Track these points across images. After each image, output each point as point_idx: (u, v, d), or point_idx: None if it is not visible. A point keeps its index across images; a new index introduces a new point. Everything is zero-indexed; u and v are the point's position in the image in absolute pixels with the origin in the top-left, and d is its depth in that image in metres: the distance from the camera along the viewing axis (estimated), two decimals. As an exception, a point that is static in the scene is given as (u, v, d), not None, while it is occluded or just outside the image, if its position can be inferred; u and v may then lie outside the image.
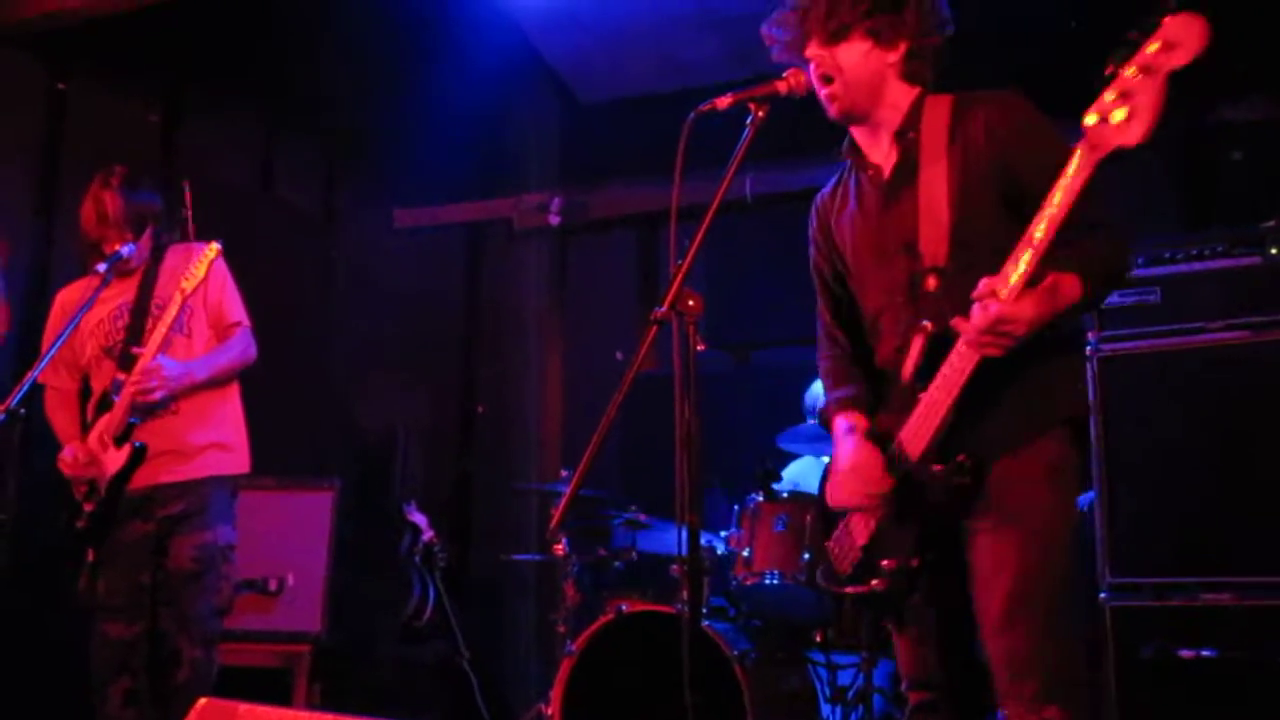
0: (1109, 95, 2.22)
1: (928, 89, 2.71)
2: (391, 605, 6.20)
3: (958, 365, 2.43)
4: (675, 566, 4.77)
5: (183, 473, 3.96)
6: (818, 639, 4.80)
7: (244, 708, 2.53)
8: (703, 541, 4.73)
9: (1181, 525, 3.99)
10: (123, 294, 4.09)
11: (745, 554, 4.66)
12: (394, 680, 6.25)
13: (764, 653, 4.57)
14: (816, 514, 2.92)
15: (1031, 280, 2.31)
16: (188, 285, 3.91)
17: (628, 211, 7.05)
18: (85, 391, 4.14)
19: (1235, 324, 4.05)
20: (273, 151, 6.87)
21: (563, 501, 2.41)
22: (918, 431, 2.53)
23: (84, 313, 3.94)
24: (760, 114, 2.52)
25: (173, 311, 3.88)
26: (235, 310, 4.17)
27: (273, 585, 5.31)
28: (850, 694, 4.63)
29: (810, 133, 2.86)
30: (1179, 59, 2.26)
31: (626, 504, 5.19)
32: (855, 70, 2.63)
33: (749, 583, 4.63)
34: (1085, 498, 4.51)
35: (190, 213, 5.43)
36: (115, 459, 3.87)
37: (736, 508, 4.84)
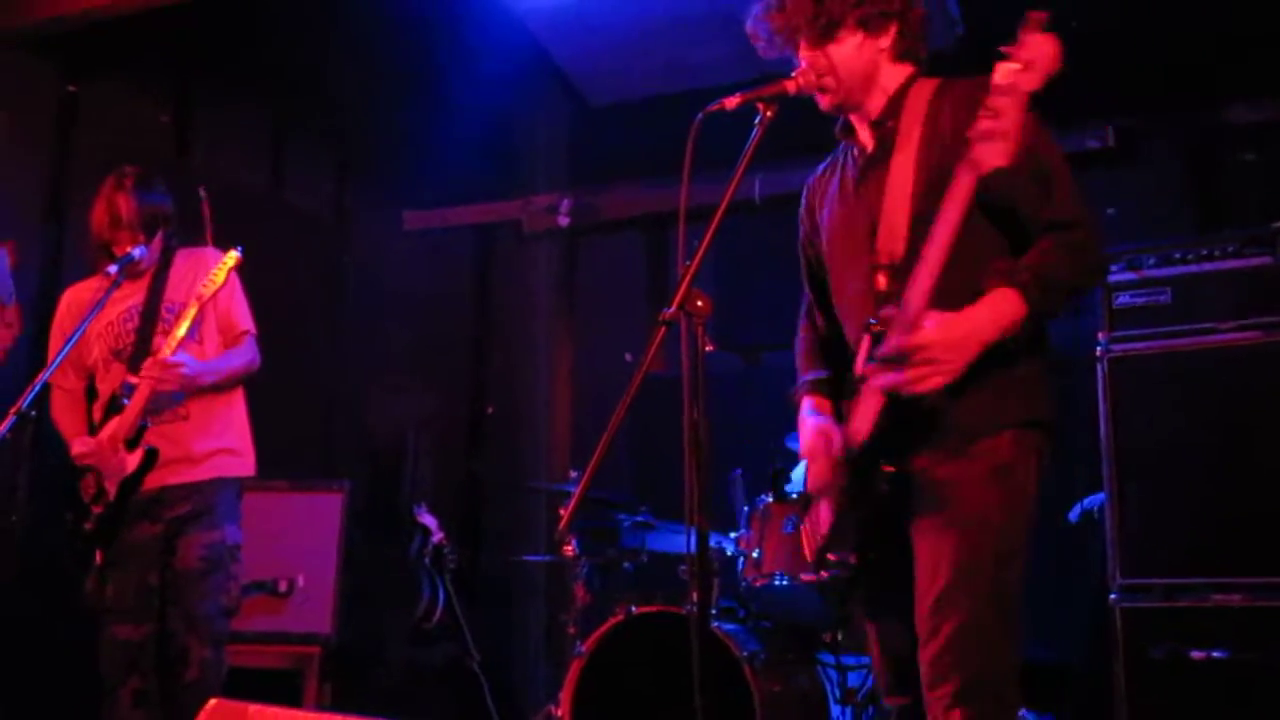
0: (985, 115, 2.17)
1: (921, 66, 2.69)
2: (401, 607, 6.20)
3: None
4: (684, 567, 4.76)
5: (190, 474, 3.97)
6: (827, 640, 4.79)
7: (254, 709, 2.53)
8: (712, 543, 4.77)
9: (1192, 526, 3.98)
10: (132, 296, 4.10)
11: (755, 555, 4.66)
12: (404, 682, 6.25)
13: (774, 654, 4.57)
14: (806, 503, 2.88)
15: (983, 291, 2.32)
16: (206, 291, 3.93)
17: (637, 213, 7.04)
18: (90, 393, 4.16)
19: (1246, 324, 4.04)
20: (283, 153, 6.88)
21: (571, 502, 2.41)
22: (859, 426, 2.50)
23: (95, 315, 3.94)
24: (769, 114, 2.50)
25: (191, 314, 3.90)
26: (244, 319, 4.18)
27: (283, 587, 5.32)
28: (860, 695, 4.63)
29: (821, 133, 2.85)
30: (1033, 81, 2.19)
31: (636, 505, 5.19)
32: (849, 65, 2.61)
33: (758, 584, 4.63)
34: (1095, 499, 4.51)
35: (209, 218, 5.45)
36: (128, 462, 3.88)
37: (746, 509, 4.84)
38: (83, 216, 4.21)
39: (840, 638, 4.75)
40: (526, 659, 6.76)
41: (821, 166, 2.91)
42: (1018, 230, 2.48)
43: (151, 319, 4.05)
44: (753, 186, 5.79)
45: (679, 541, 5.11)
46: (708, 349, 2.34)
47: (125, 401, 3.91)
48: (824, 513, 2.68)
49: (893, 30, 2.63)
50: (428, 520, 6.37)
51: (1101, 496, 4.24)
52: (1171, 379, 4.12)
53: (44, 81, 5.53)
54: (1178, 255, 4.21)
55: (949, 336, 2.31)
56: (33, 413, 3.56)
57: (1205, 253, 4.17)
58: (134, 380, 3.91)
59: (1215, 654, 3.86)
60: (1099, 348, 4.26)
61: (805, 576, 3.46)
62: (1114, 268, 4.31)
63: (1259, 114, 5.57)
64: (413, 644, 6.23)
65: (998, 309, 2.35)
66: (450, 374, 7.50)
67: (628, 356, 6.41)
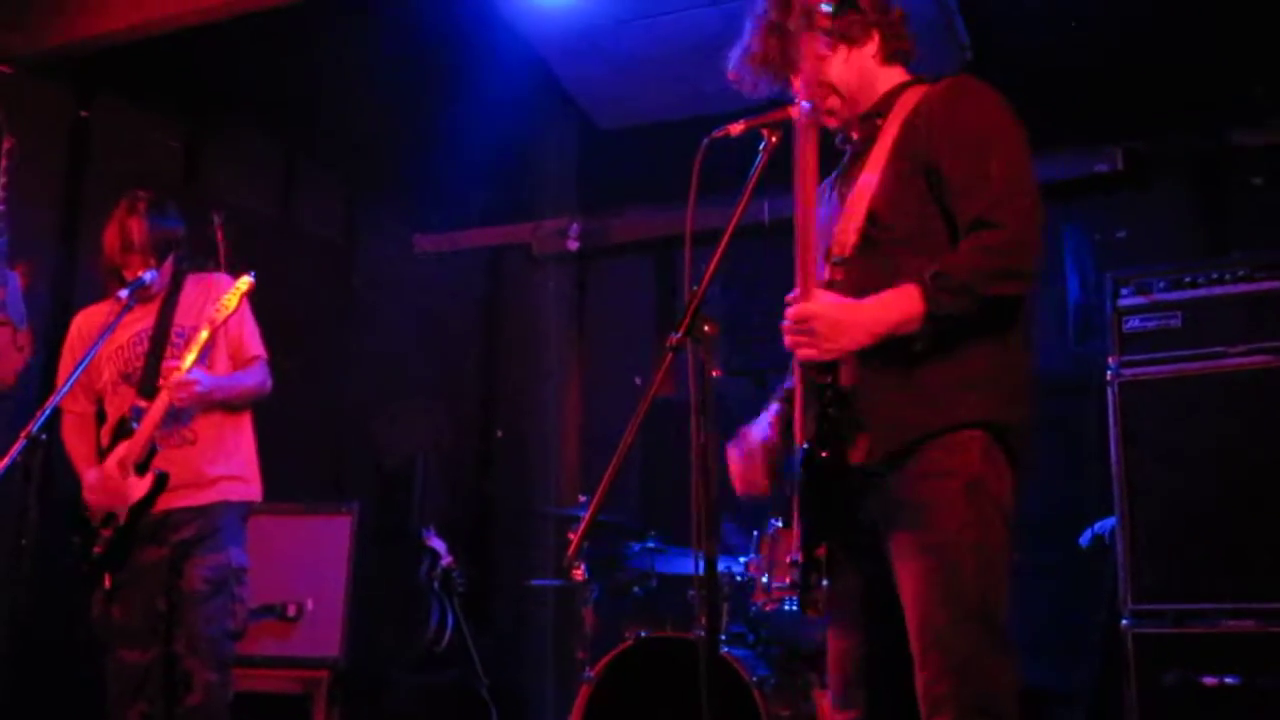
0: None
1: (912, 69, 2.71)
2: (410, 631, 6.19)
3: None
4: (693, 592, 4.74)
5: (196, 498, 3.98)
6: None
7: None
8: (722, 567, 4.76)
9: (1203, 551, 3.96)
10: (142, 320, 4.12)
11: (764, 580, 4.64)
12: (412, 706, 6.24)
13: (783, 679, 4.55)
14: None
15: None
16: (219, 316, 3.96)
17: (646, 237, 7.05)
18: (98, 416, 4.17)
19: (1257, 348, 4.03)
20: (293, 177, 6.91)
21: (581, 527, 2.40)
22: (800, 418, 2.49)
23: (106, 337, 3.96)
24: (774, 139, 2.50)
25: (203, 338, 3.92)
26: (255, 344, 4.20)
27: (291, 610, 5.31)
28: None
29: (828, 157, 2.86)
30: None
31: (646, 530, 5.18)
32: (844, 78, 2.64)
33: (768, 609, 4.61)
34: (1106, 523, 4.49)
35: (223, 244, 5.48)
36: (138, 487, 3.89)
37: (756, 533, 4.83)
38: (94, 241, 4.23)
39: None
40: (535, 684, 6.74)
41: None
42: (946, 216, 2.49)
43: (161, 343, 4.07)
44: (761, 210, 5.79)
45: (688, 566, 5.09)
46: (715, 374, 2.34)
47: (134, 425, 3.92)
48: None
49: (875, 36, 2.67)
50: (437, 544, 6.36)
51: (1112, 521, 4.23)
52: (1182, 403, 4.10)
53: (57, 107, 5.56)
54: (1188, 279, 4.20)
55: (834, 316, 2.35)
56: (43, 436, 3.57)
57: (1215, 276, 4.17)
58: (143, 404, 3.93)
59: (1227, 680, 3.83)
60: (1109, 372, 4.25)
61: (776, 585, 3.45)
62: (1124, 291, 4.30)
63: (1268, 138, 5.57)
64: (421, 668, 6.21)
65: (892, 304, 2.36)
66: (460, 397, 7.50)
67: (637, 380, 6.41)
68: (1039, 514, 5.21)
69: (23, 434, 3.52)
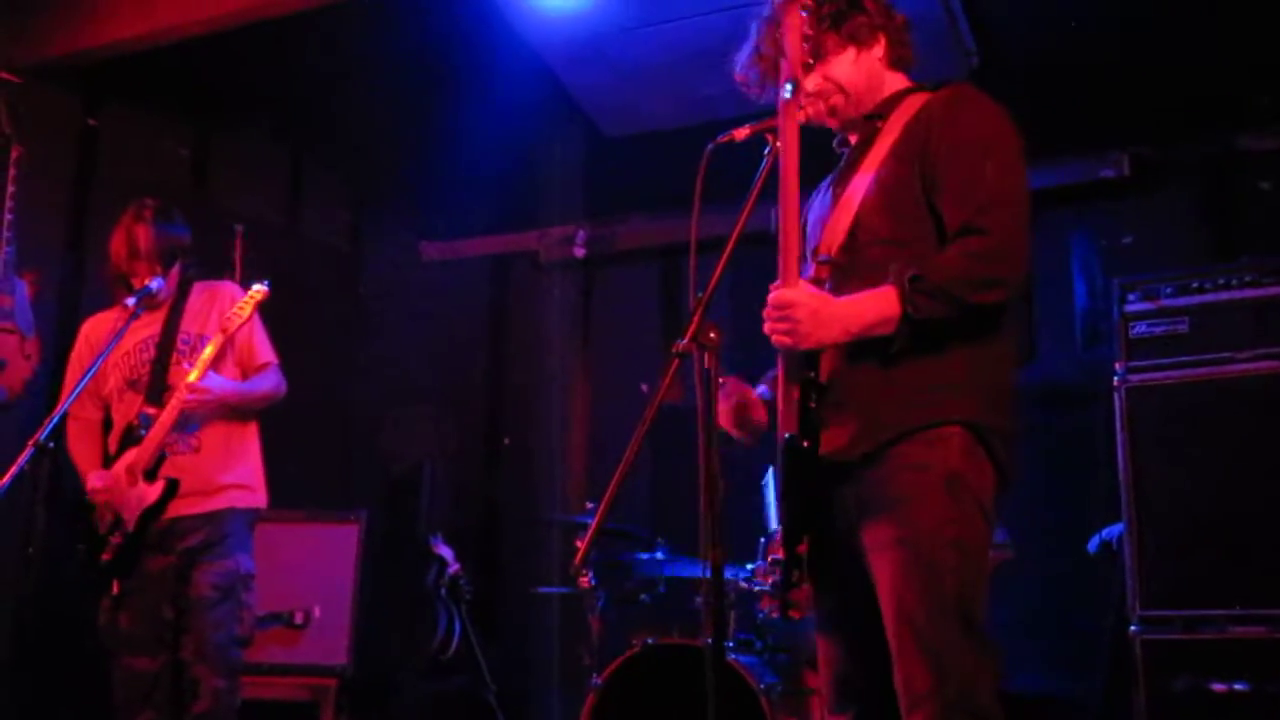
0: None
1: (917, 74, 2.71)
2: (418, 638, 6.19)
3: None
4: (700, 599, 4.74)
5: (202, 506, 3.99)
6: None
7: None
8: (729, 574, 4.75)
9: (1212, 557, 3.95)
10: (149, 327, 4.13)
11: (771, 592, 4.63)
12: (420, 713, 6.23)
13: (791, 686, 4.54)
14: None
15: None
16: (232, 324, 3.97)
17: (653, 244, 7.05)
18: (104, 423, 4.18)
19: (1264, 353, 4.03)
20: (300, 185, 6.92)
21: (588, 534, 2.40)
22: (785, 409, 2.48)
23: (113, 345, 3.97)
24: (779, 144, 2.49)
25: (215, 345, 3.94)
26: (265, 351, 4.21)
27: (299, 618, 5.31)
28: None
29: (834, 162, 2.86)
30: None
31: (653, 537, 5.17)
32: (852, 78, 2.65)
33: (775, 615, 4.60)
34: (1114, 530, 4.48)
35: (240, 255, 5.50)
36: (148, 493, 3.90)
37: (762, 540, 4.82)
38: (102, 249, 4.24)
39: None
40: (542, 691, 6.73)
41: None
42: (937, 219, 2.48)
43: (168, 350, 4.08)
44: (767, 216, 5.80)
45: (696, 573, 5.08)
46: (721, 380, 2.34)
47: (142, 432, 3.93)
48: None
49: (882, 40, 2.67)
50: (444, 551, 6.36)
51: (1120, 528, 4.22)
52: (1190, 408, 4.10)
53: (65, 115, 5.58)
54: (1195, 284, 4.20)
55: (813, 306, 2.35)
56: (51, 444, 3.58)
57: (1222, 282, 4.16)
58: (151, 411, 3.94)
59: (1237, 686, 3.82)
60: (1116, 377, 4.24)
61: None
62: (1131, 297, 4.30)
63: (1275, 143, 5.56)
64: (429, 675, 6.21)
65: (869, 304, 2.36)
66: (466, 405, 7.50)
67: (644, 387, 6.41)
68: (1046, 520, 5.25)
69: (30, 442, 3.52)
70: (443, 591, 6.27)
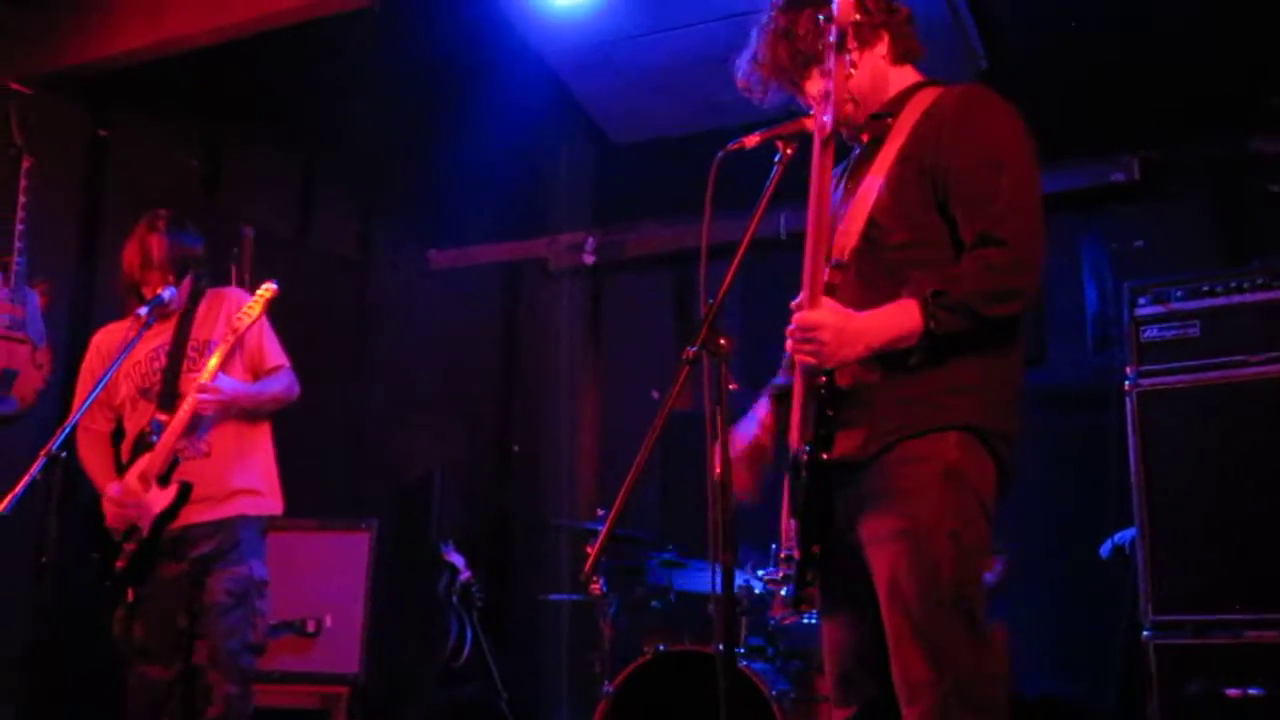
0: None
1: (922, 74, 2.70)
2: (429, 646, 6.19)
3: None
4: (713, 606, 4.73)
5: (213, 513, 3.99)
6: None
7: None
8: (741, 580, 4.74)
9: (1225, 561, 3.94)
10: (160, 336, 4.15)
11: (783, 593, 4.62)
12: (432, 721, 6.24)
13: (803, 693, 4.53)
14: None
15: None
16: (242, 324, 3.99)
17: (662, 250, 7.05)
18: (116, 432, 4.19)
19: (1275, 357, 4.02)
20: (310, 194, 6.94)
21: (598, 541, 2.40)
22: (796, 420, 2.50)
23: (125, 355, 3.98)
24: (789, 151, 2.49)
25: (227, 346, 3.95)
26: (275, 354, 4.21)
27: (310, 626, 5.32)
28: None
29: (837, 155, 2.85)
30: None
31: (664, 544, 5.17)
32: (857, 84, 2.59)
33: (787, 621, 4.59)
34: (1126, 534, 4.46)
35: (248, 260, 5.51)
36: (160, 498, 3.91)
37: (774, 546, 4.81)
38: (113, 259, 4.26)
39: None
40: (553, 698, 6.73)
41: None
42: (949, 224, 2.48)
43: (179, 357, 4.10)
44: (778, 223, 5.79)
45: (707, 579, 5.08)
46: (731, 387, 2.34)
47: (154, 439, 3.94)
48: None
49: (885, 36, 2.66)
50: (455, 558, 6.37)
51: (1133, 532, 4.20)
52: (1201, 412, 4.08)
53: (75, 125, 5.60)
54: (1206, 288, 4.18)
55: (838, 325, 2.34)
56: (63, 454, 3.59)
57: (1234, 285, 4.15)
58: (163, 418, 3.95)
59: (1251, 691, 3.80)
60: (1127, 381, 4.23)
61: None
62: (1142, 301, 4.29)
63: (1283, 146, 5.55)
64: (441, 683, 6.21)
65: (892, 318, 2.35)
66: (477, 412, 7.51)
67: (654, 394, 6.41)
68: (1058, 525, 5.24)
69: (42, 452, 3.54)
70: (454, 599, 6.27)
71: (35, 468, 3.50)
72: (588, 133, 6.05)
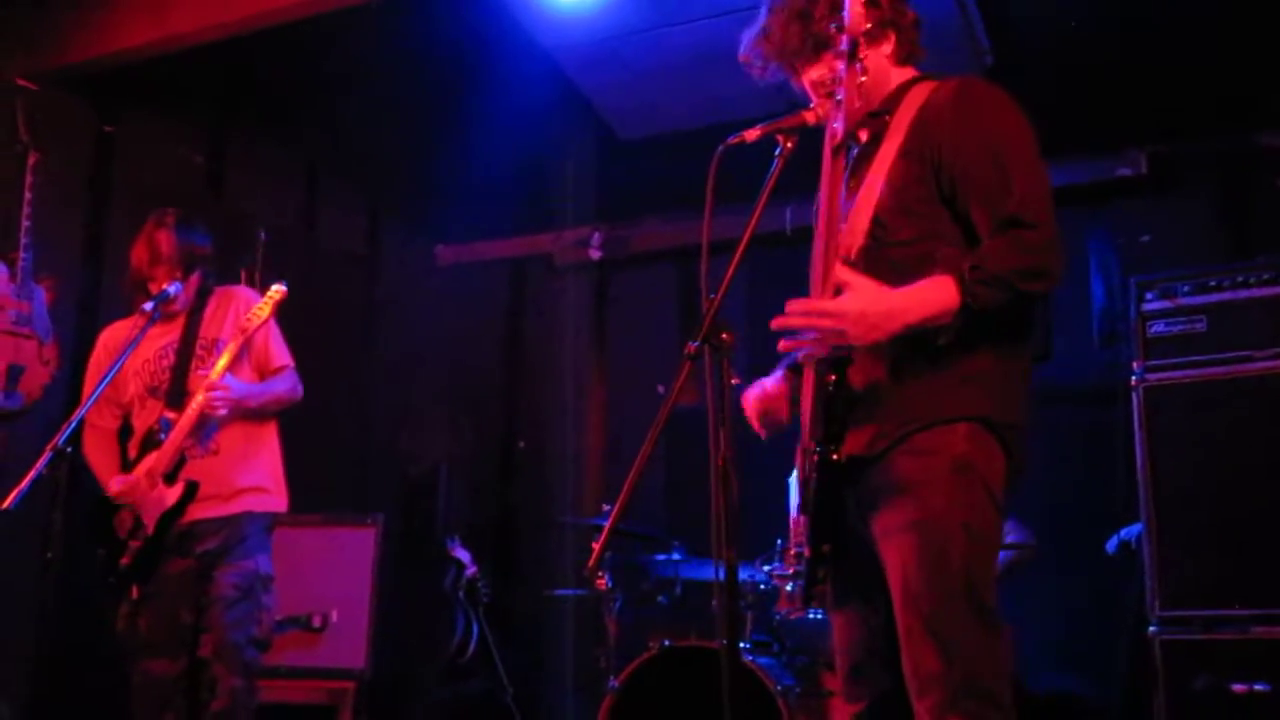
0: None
1: (921, 70, 2.69)
2: (435, 641, 6.20)
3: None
4: (715, 601, 4.73)
5: (220, 509, 4.00)
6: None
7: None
8: (746, 575, 4.74)
9: (1231, 557, 3.93)
10: (167, 334, 4.15)
11: (789, 588, 4.63)
12: (438, 716, 6.24)
13: (808, 687, 4.53)
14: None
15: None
16: (251, 324, 4.00)
17: (668, 245, 7.05)
18: (124, 430, 4.20)
19: (1283, 352, 4.00)
20: (315, 190, 6.94)
21: (602, 536, 2.39)
22: (806, 415, 2.49)
23: (130, 351, 3.99)
24: (789, 145, 2.49)
25: (236, 346, 3.96)
26: (281, 355, 4.22)
27: (317, 622, 5.32)
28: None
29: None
30: None
31: (669, 538, 5.17)
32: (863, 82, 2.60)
33: (793, 617, 4.60)
34: (1133, 530, 4.46)
35: (259, 259, 5.52)
36: (167, 496, 3.92)
37: (780, 541, 4.81)
38: (119, 256, 4.27)
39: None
40: (559, 693, 6.74)
41: None
42: (956, 219, 2.48)
43: (187, 356, 4.10)
44: (783, 217, 5.78)
45: (711, 574, 5.07)
46: (734, 382, 2.33)
47: (162, 437, 3.95)
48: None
49: (891, 37, 2.65)
50: (461, 554, 6.38)
51: (1139, 527, 4.20)
52: (1208, 407, 4.07)
53: (81, 122, 5.60)
54: (1212, 283, 4.17)
55: (864, 309, 2.31)
56: (69, 449, 3.60)
57: (1241, 280, 4.14)
58: (171, 416, 3.96)
59: (1257, 687, 3.79)
60: (1134, 377, 4.22)
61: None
62: (1148, 295, 4.28)
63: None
64: (446, 678, 6.22)
65: (928, 294, 2.32)
66: (482, 407, 7.51)
67: (660, 389, 6.41)
68: (1065, 520, 5.23)
69: (48, 447, 3.55)
70: (460, 594, 6.28)
71: (41, 463, 3.50)
72: (593, 128, 6.05)
